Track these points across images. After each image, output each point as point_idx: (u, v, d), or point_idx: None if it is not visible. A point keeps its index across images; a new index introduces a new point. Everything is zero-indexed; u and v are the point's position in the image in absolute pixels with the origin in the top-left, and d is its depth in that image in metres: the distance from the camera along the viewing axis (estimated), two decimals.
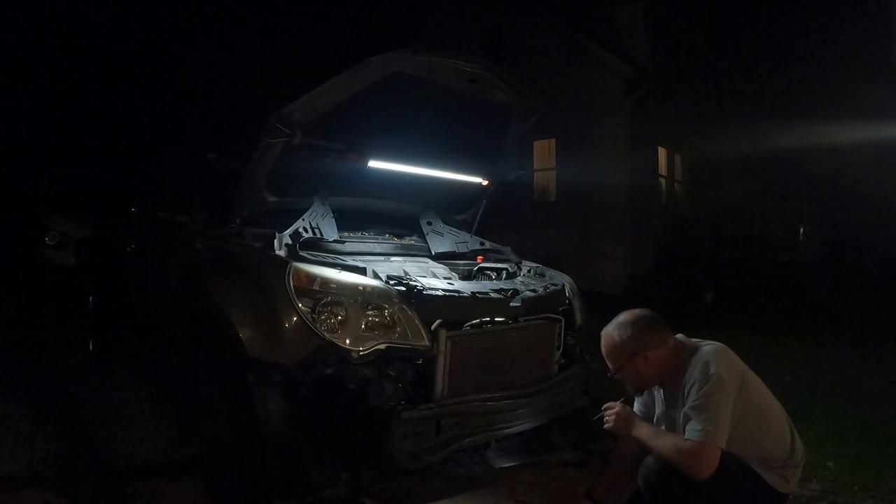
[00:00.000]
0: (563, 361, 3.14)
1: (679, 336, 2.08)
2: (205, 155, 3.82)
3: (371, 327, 2.40)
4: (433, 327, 2.50)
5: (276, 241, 2.81)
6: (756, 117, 13.11)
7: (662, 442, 1.94)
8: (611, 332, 2.06)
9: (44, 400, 4.01)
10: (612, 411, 2.09)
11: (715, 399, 1.83)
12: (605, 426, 2.08)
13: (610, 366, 2.06)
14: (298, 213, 3.09)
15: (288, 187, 3.19)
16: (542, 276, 3.48)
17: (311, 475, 2.43)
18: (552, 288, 3.26)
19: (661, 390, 2.12)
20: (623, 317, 2.06)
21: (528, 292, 3.01)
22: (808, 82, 13.00)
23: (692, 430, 1.84)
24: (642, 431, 2.01)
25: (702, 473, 1.83)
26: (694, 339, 2.05)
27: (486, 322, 2.71)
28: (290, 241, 2.82)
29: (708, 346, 1.98)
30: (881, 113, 10.84)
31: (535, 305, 2.97)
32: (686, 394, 1.90)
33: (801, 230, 12.34)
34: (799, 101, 12.82)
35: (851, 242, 11.17)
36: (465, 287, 2.89)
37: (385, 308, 2.45)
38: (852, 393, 4.52)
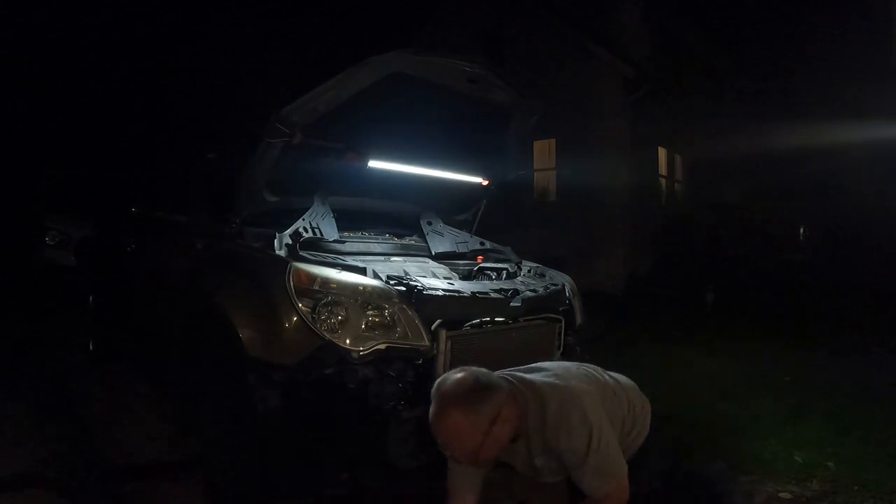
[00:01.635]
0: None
1: (502, 376, 1.85)
2: (205, 155, 3.82)
3: (371, 327, 2.40)
4: (433, 327, 2.50)
5: (276, 241, 2.81)
6: (756, 117, 13.10)
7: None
8: (454, 412, 1.70)
9: (44, 400, 4.01)
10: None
11: (605, 450, 1.74)
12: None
13: (464, 454, 1.72)
14: (298, 213, 3.09)
15: (288, 187, 3.19)
16: (542, 276, 3.48)
17: (311, 475, 2.43)
18: (552, 288, 3.26)
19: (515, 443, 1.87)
20: (452, 389, 1.73)
21: (528, 292, 3.01)
22: (808, 82, 13.00)
23: (599, 488, 1.78)
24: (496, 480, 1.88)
25: None
26: (521, 375, 1.84)
27: (487, 322, 2.71)
28: (290, 241, 2.82)
29: (555, 394, 1.76)
30: (881, 113, 10.83)
31: (536, 305, 2.97)
32: (565, 450, 1.76)
33: (801, 230, 12.32)
34: (799, 101, 12.81)
35: (851, 242, 11.16)
36: (466, 287, 2.89)
37: (385, 308, 2.45)
38: (852, 393, 4.51)
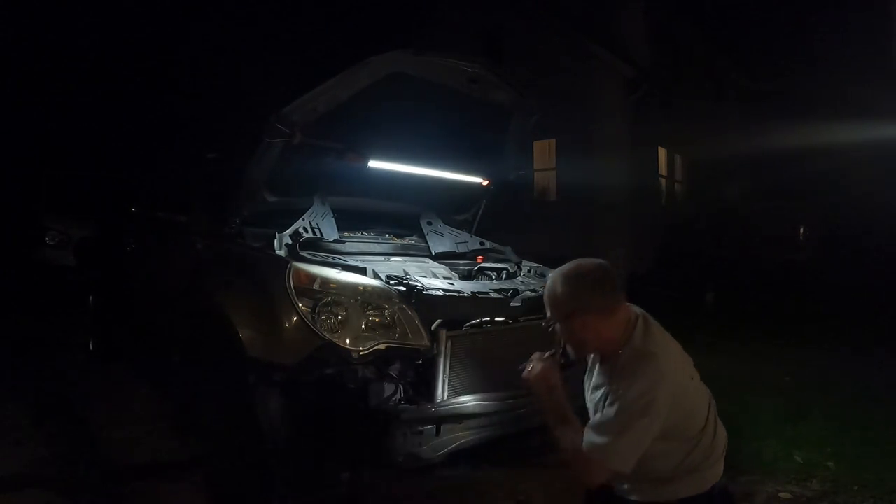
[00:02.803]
0: (563, 361, 3.14)
1: (636, 309, 1.78)
2: (205, 155, 3.82)
3: (371, 327, 2.40)
4: (433, 327, 2.50)
5: (276, 241, 2.82)
6: (756, 117, 13.11)
7: (563, 433, 1.68)
8: (555, 281, 1.73)
9: (44, 400, 4.01)
10: (534, 362, 1.81)
11: (637, 423, 1.57)
12: (524, 375, 1.83)
13: (548, 314, 1.77)
14: (298, 213, 3.09)
15: (288, 187, 3.19)
16: (542, 276, 3.48)
17: (311, 475, 2.43)
18: None
19: (598, 362, 1.82)
20: (572, 267, 1.73)
21: (528, 292, 3.01)
22: (809, 82, 13.00)
23: (595, 442, 1.60)
24: (553, 405, 1.72)
25: (586, 483, 1.67)
26: (652, 326, 1.73)
27: (487, 322, 2.71)
28: (290, 241, 2.82)
29: (651, 357, 1.63)
30: (881, 113, 10.83)
31: (536, 305, 2.96)
32: (611, 392, 1.65)
33: (801, 230, 12.33)
34: (799, 101, 12.81)
35: (851, 242, 11.16)
36: (465, 287, 2.90)
37: (385, 308, 2.45)
38: (852, 393, 4.51)
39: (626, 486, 1.77)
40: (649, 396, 1.57)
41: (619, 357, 1.68)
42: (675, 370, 1.67)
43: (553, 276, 1.76)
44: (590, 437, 1.62)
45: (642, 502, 1.75)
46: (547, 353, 1.83)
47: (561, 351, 1.83)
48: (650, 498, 1.73)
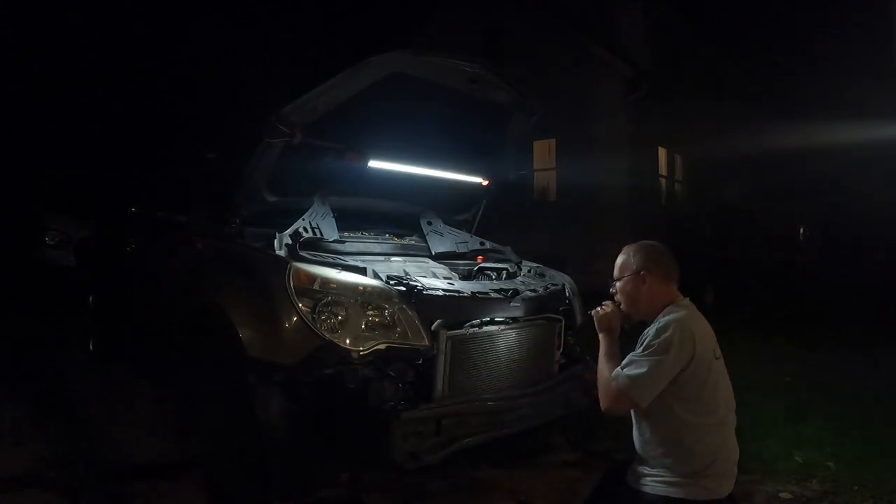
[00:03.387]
0: (563, 361, 3.15)
1: (687, 300, 2.06)
2: (205, 155, 3.82)
3: (371, 327, 2.40)
4: (433, 327, 2.50)
5: (276, 240, 2.81)
6: (756, 117, 13.10)
7: (604, 364, 1.96)
8: (629, 248, 2.12)
9: (44, 400, 4.01)
10: (606, 306, 2.11)
11: (656, 359, 1.81)
12: (594, 313, 2.13)
13: (615, 274, 2.12)
14: (298, 213, 3.09)
15: (288, 187, 3.19)
16: (542, 276, 3.49)
17: (311, 475, 2.43)
18: (552, 288, 3.26)
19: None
20: (644, 241, 2.13)
21: (528, 292, 3.01)
22: (808, 82, 13.00)
23: (620, 372, 1.86)
24: (607, 343, 2.03)
25: (607, 411, 1.90)
26: (691, 307, 2.02)
27: (486, 322, 2.71)
28: (290, 241, 2.82)
29: (681, 312, 1.95)
30: (881, 113, 10.83)
31: (535, 305, 2.97)
32: (640, 343, 1.92)
33: (801, 230, 12.32)
34: (799, 101, 12.82)
35: (851, 242, 11.16)
36: (465, 287, 2.89)
37: (385, 308, 2.45)
38: (852, 393, 4.51)
39: (643, 471, 1.89)
40: (667, 336, 1.83)
41: (657, 321, 1.94)
42: (700, 334, 1.89)
43: (630, 244, 2.13)
44: (618, 371, 1.88)
45: (653, 495, 1.85)
46: (613, 302, 2.12)
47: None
48: (660, 491, 1.84)
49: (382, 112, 3.06)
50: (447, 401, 2.49)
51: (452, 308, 2.65)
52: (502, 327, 2.76)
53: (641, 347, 1.88)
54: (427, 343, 2.45)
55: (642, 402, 1.83)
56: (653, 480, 1.85)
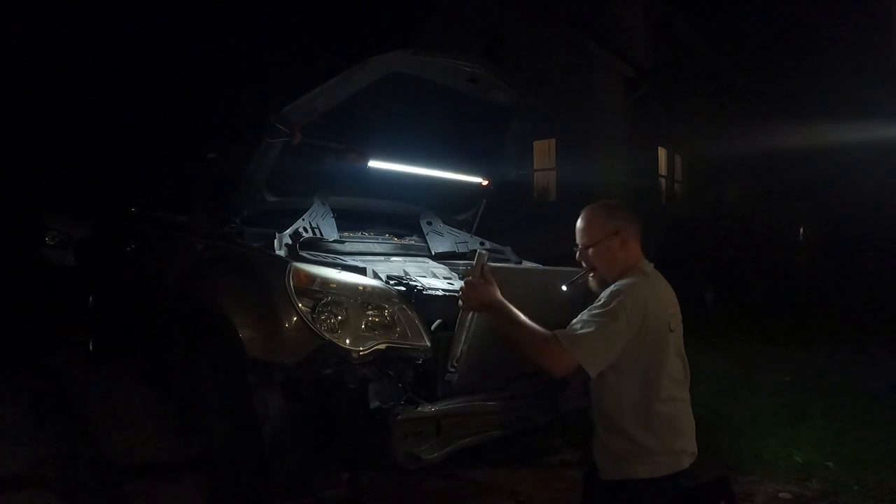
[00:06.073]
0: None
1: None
2: (205, 155, 3.82)
3: (371, 327, 2.40)
4: (433, 327, 2.50)
5: (276, 241, 2.81)
6: (756, 117, 13.10)
7: (522, 331, 1.71)
8: (596, 207, 1.92)
9: (44, 400, 4.01)
10: (467, 282, 1.80)
11: (606, 321, 1.66)
12: (460, 296, 1.84)
13: (583, 240, 1.89)
14: (298, 213, 3.09)
15: (288, 187, 3.19)
16: None
17: (311, 475, 2.43)
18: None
19: None
20: (610, 200, 1.98)
21: None
22: (808, 82, 12.98)
23: (567, 332, 1.68)
24: (499, 314, 1.75)
25: (551, 369, 1.69)
26: (655, 272, 1.90)
27: None
28: (290, 241, 2.82)
29: (634, 279, 1.79)
30: (881, 113, 10.83)
31: None
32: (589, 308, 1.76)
33: (801, 230, 12.33)
34: (799, 101, 12.80)
35: (851, 242, 11.16)
36: None
37: (385, 308, 2.45)
38: (852, 393, 4.51)
39: (601, 460, 1.77)
40: (619, 299, 1.69)
41: (615, 284, 1.80)
42: (655, 299, 1.76)
43: (592, 206, 1.93)
44: (565, 330, 1.70)
45: (605, 481, 1.75)
46: (586, 270, 1.92)
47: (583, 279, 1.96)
48: (609, 476, 1.75)
49: (382, 112, 3.06)
50: (447, 401, 2.48)
51: (452, 308, 2.65)
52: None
53: (589, 309, 1.73)
54: (427, 343, 2.45)
55: (592, 369, 1.66)
56: (615, 466, 1.74)
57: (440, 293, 2.68)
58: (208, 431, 2.71)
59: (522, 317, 1.75)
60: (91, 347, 4.76)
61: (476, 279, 1.80)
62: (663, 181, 12.83)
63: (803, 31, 12.74)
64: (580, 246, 1.92)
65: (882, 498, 2.91)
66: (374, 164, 3.21)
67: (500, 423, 2.63)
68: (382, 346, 2.35)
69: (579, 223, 1.92)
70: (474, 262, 1.83)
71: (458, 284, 2.94)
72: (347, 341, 2.31)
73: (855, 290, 8.99)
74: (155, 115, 14.01)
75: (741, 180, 13.94)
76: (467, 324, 2.29)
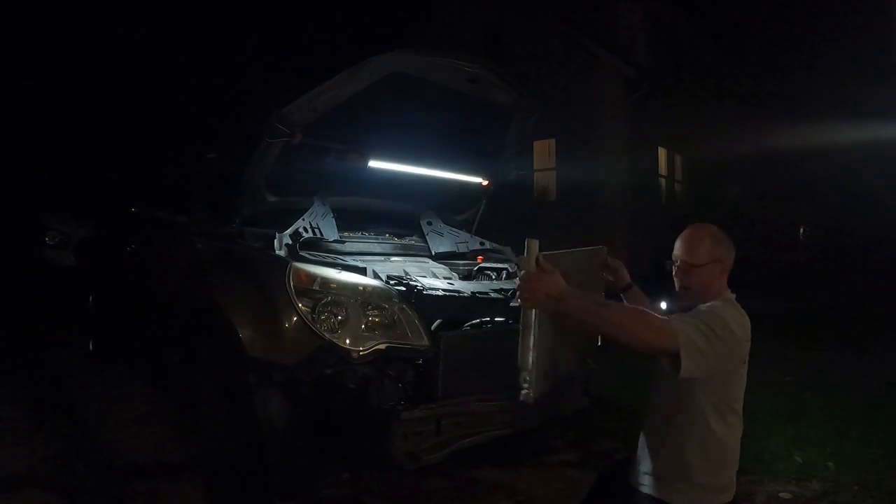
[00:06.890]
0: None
1: None
2: (205, 155, 3.82)
3: (371, 327, 2.40)
4: (433, 327, 2.50)
5: (276, 241, 2.81)
6: (756, 117, 13.10)
7: (613, 308, 1.63)
8: (705, 230, 1.91)
9: (44, 400, 4.01)
10: (525, 280, 1.61)
11: (709, 325, 1.61)
12: (518, 303, 1.68)
13: (688, 258, 1.86)
14: (298, 213, 3.09)
15: (288, 187, 3.19)
16: None
17: (311, 475, 2.43)
18: None
19: None
20: (717, 229, 1.95)
21: None
22: (808, 82, 12.98)
23: (681, 321, 1.62)
24: (578, 300, 1.61)
25: (655, 346, 1.59)
26: (732, 297, 1.92)
27: (487, 322, 2.71)
28: (290, 241, 2.82)
29: (727, 305, 1.81)
30: (881, 113, 10.83)
31: None
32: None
33: (801, 230, 12.33)
34: (799, 101, 12.80)
35: (851, 242, 11.17)
36: (465, 287, 2.89)
37: (385, 308, 2.45)
38: (852, 393, 4.51)
39: (644, 471, 1.79)
40: (720, 313, 1.70)
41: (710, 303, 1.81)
42: (742, 329, 1.76)
43: (700, 227, 1.93)
44: (675, 317, 1.68)
45: (634, 489, 1.78)
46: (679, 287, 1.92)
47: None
48: (641, 485, 1.77)
49: (382, 112, 3.05)
50: (447, 401, 2.48)
51: (452, 308, 2.65)
52: (502, 327, 2.76)
53: (689, 315, 1.67)
54: (427, 343, 2.45)
55: (690, 363, 1.55)
56: (657, 483, 1.75)
57: (440, 293, 2.68)
58: (208, 431, 2.71)
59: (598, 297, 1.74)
60: (91, 347, 4.76)
61: (533, 270, 1.63)
62: (663, 181, 12.82)
63: (803, 32, 12.75)
64: (681, 262, 1.89)
65: (882, 498, 2.91)
66: (374, 164, 3.21)
67: (500, 423, 2.63)
68: (382, 346, 2.35)
69: (686, 240, 1.91)
70: (525, 252, 1.62)
71: (458, 284, 2.94)
72: (347, 341, 2.31)
73: (855, 290, 8.99)
74: (155, 115, 14.01)
75: (741, 180, 13.93)
76: (532, 325, 1.90)
